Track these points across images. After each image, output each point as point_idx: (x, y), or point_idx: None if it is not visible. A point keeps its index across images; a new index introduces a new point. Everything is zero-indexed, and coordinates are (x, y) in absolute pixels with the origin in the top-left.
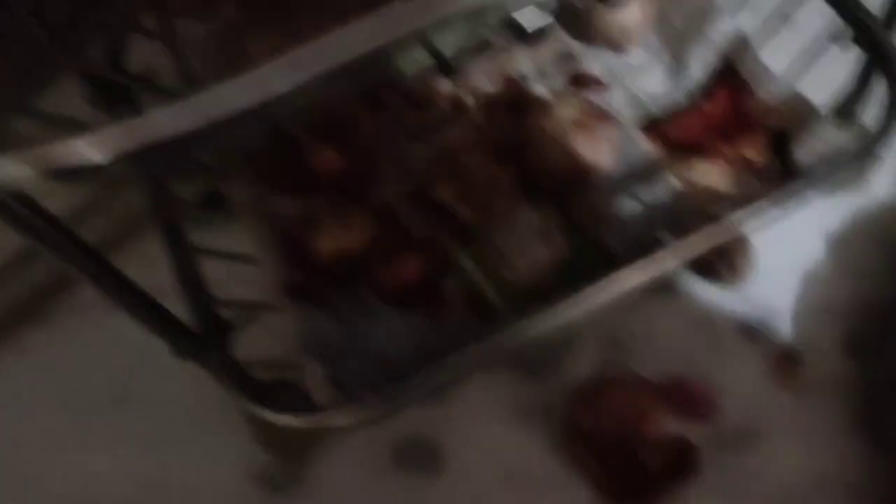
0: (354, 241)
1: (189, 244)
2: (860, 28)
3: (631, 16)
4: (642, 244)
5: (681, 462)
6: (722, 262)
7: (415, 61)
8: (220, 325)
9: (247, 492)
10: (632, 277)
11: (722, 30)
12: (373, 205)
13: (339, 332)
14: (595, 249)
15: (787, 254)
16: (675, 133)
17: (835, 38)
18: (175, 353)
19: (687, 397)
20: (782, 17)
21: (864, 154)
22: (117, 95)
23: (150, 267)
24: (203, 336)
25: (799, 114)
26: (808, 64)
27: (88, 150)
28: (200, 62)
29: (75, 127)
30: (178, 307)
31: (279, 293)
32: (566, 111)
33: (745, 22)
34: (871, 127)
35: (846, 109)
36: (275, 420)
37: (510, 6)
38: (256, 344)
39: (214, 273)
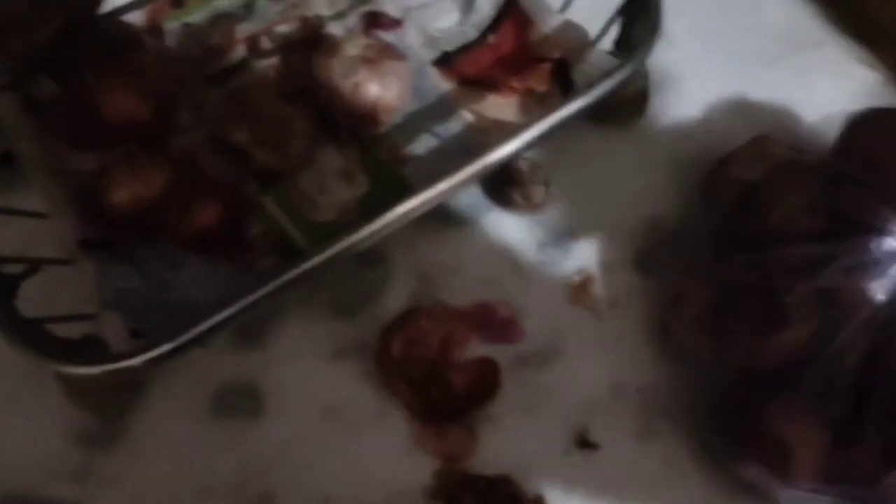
0: (149, 190)
1: None
2: None
3: None
4: (439, 178)
5: (486, 382)
6: (517, 192)
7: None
8: (3, 279)
9: (68, 452)
10: (424, 202)
11: None
12: (168, 152)
13: (140, 282)
14: (395, 185)
15: (578, 180)
16: (467, 68)
17: None
18: None
19: (492, 321)
20: None
21: (621, 69)
22: None
23: None
24: None
25: (574, 42)
26: None
27: None
28: None
29: None
30: None
31: (76, 248)
32: (353, 50)
33: None
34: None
35: (624, 37)
36: (70, 371)
37: None
38: (55, 301)
39: (10, 232)
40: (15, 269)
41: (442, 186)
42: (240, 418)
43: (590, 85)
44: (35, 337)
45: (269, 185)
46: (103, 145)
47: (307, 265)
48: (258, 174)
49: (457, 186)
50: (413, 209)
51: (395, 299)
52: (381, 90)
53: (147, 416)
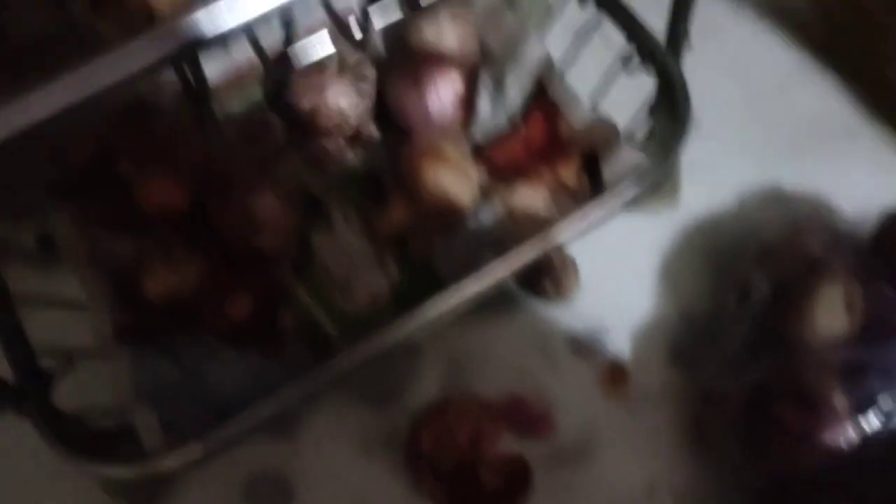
0: (185, 282)
1: (7, 291)
2: (646, 51)
3: (447, 40)
4: (469, 268)
5: (517, 480)
6: (548, 280)
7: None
8: (40, 375)
9: None
10: (457, 295)
11: (532, 54)
12: (202, 242)
13: (173, 374)
14: (426, 276)
15: (610, 269)
16: (497, 158)
17: (625, 60)
18: None
19: (523, 415)
20: (583, 40)
21: (657, 170)
22: None
23: None
24: (21, 387)
25: (603, 135)
26: (607, 85)
27: None
28: None
29: None
30: None
31: (111, 338)
32: (454, 153)
33: (552, 45)
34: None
35: (651, 131)
36: (103, 472)
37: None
38: (88, 392)
39: (46, 320)
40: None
41: (476, 287)
42: None
43: (621, 180)
44: (69, 433)
45: (301, 272)
46: (139, 232)
47: (341, 364)
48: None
49: (494, 285)
50: (448, 308)
51: (425, 388)
52: (458, 192)
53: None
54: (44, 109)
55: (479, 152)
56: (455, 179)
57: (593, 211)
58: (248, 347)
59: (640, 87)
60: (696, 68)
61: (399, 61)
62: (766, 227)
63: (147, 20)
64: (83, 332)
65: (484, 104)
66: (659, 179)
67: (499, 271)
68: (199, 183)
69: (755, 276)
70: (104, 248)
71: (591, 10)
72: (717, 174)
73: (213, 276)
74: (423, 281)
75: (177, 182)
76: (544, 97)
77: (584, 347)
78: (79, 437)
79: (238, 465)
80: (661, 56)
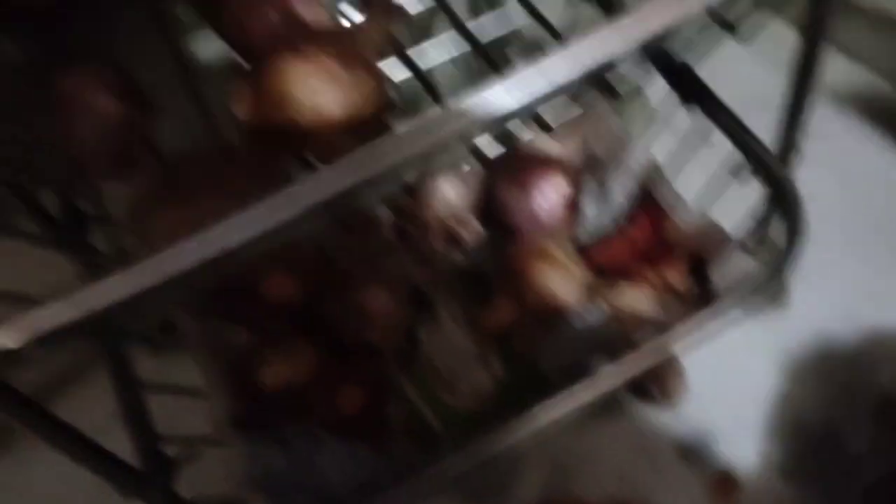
0: (299, 374)
1: (135, 380)
2: (757, 161)
3: (554, 144)
4: (574, 368)
5: None
6: (654, 384)
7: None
8: (164, 462)
9: None
10: (567, 403)
11: (639, 158)
12: (317, 336)
13: (284, 463)
14: (530, 374)
15: (721, 375)
16: (602, 258)
17: (736, 170)
18: (119, 492)
19: None
20: (693, 146)
21: (769, 280)
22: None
23: (95, 399)
24: (146, 474)
25: (712, 239)
26: (720, 190)
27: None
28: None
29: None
30: (122, 442)
31: (225, 425)
32: (570, 262)
33: (659, 150)
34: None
35: (758, 236)
36: None
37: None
38: (203, 478)
39: (163, 405)
40: (173, 448)
41: (587, 395)
42: None
43: (734, 287)
44: None
45: (408, 367)
46: (256, 324)
47: (451, 466)
48: (398, 356)
49: (608, 392)
50: (559, 415)
51: (527, 489)
52: (564, 292)
53: None
54: (243, 234)
55: (584, 252)
56: (561, 280)
57: (709, 320)
58: (356, 440)
59: (751, 193)
60: (801, 170)
61: (506, 162)
62: (879, 335)
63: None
64: (196, 419)
65: (588, 205)
66: (775, 289)
67: (611, 380)
68: (314, 276)
69: (865, 393)
70: (221, 337)
71: (698, 117)
72: (827, 278)
73: (325, 368)
74: (527, 379)
75: (293, 276)
76: (650, 200)
77: (691, 455)
78: None
79: None
80: (772, 165)
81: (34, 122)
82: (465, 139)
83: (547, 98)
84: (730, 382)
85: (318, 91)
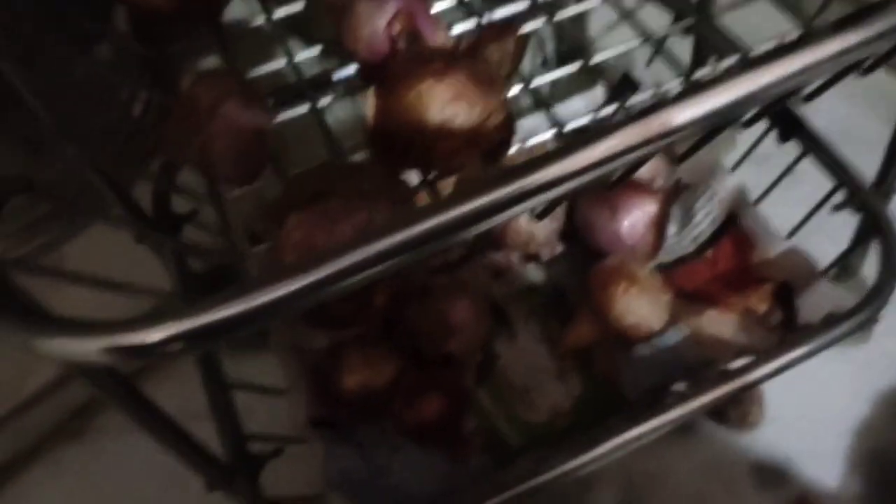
0: (379, 378)
1: (224, 378)
2: (853, 191)
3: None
4: (654, 390)
5: None
6: (733, 409)
7: None
8: (250, 458)
9: None
10: (645, 426)
11: (725, 185)
12: (398, 343)
13: (361, 465)
14: (608, 393)
15: (798, 402)
16: (683, 281)
17: (830, 198)
18: (206, 485)
19: None
20: (783, 175)
21: (861, 312)
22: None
23: (185, 390)
24: (233, 469)
25: (799, 268)
26: (807, 221)
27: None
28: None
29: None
30: (206, 433)
31: (305, 426)
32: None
33: (750, 176)
34: (869, 286)
35: (847, 265)
36: None
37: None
38: (281, 476)
39: (246, 401)
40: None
41: (666, 418)
42: None
43: (823, 318)
44: None
45: (484, 379)
46: (336, 326)
47: (523, 479)
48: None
49: (687, 417)
50: (637, 435)
51: None
52: (648, 314)
53: None
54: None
55: (668, 276)
56: (645, 302)
57: (793, 348)
58: (432, 448)
59: (839, 224)
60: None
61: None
62: None
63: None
64: (277, 419)
65: (672, 228)
66: (863, 321)
67: (691, 405)
68: (398, 285)
69: None
70: (302, 337)
71: (793, 146)
72: None
73: (405, 375)
74: (605, 398)
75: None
76: (736, 226)
77: (768, 480)
78: None
79: None
80: (869, 199)
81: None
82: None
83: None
84: (809, 408)
85: (447, 108)
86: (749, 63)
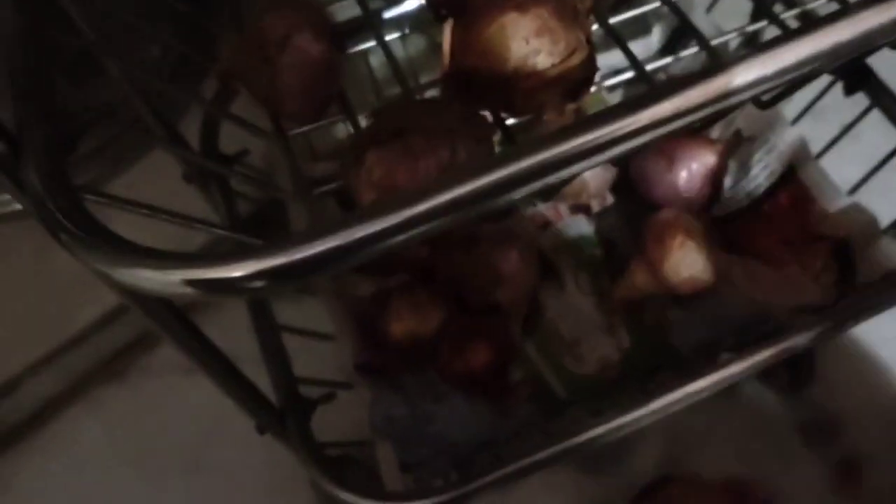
0: (426, 326)
1: (275, 322)
2: None
3: None
4: (705, 347)
5: None
6: (784, 367)
7: None
8: (302, 401)
9: None
10: (700, 385)
11: (785, 137)
12: (443, 291)
13: (406, 413)
14: (659, 348)
15: (848, 362)
16: (742, 238)
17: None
18: (258, 427)
19: (749, 502)
20: (845, 130)
21: None
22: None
23: (229, 333)
24: (284, 412)
25: (860, 225)
26: (870, 177)
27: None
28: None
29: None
30: (253, 377)
31: (352, 371)
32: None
33: (805, 130)
34: None
35: None
36: (348, 501)
37: None
38: (328, 420)
39: (293, 348)
40: (311, 391)
41: (717, 377)
42: None
43: (877, 274)
44: (318, 458)
45: (531, 330)
46: (383, 273)
47: (568, 431)
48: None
49: (744, 373)
50: (686, 392)
51: (643, 461)
52: (703, 269)
53: None
54: None
55: (724, 230)
56: (701, 256)
57: (850, 309)
58: (478, 397)
59: None
60: None
61: None
62: None
63: None
64: (324, 364)
65: (728, 181)
66: None
67: (743, 365)
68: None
69: None
70: (347, 283)
71: (860, 99)
72: None
73: (452, 324)
74: (654, 352)
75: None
76: (795, 181)
77: (815, 439)
78: (328, 464)
79: None
80: None
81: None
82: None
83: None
84: (860, 369)
85: (531, 43)
86: (847, 10)
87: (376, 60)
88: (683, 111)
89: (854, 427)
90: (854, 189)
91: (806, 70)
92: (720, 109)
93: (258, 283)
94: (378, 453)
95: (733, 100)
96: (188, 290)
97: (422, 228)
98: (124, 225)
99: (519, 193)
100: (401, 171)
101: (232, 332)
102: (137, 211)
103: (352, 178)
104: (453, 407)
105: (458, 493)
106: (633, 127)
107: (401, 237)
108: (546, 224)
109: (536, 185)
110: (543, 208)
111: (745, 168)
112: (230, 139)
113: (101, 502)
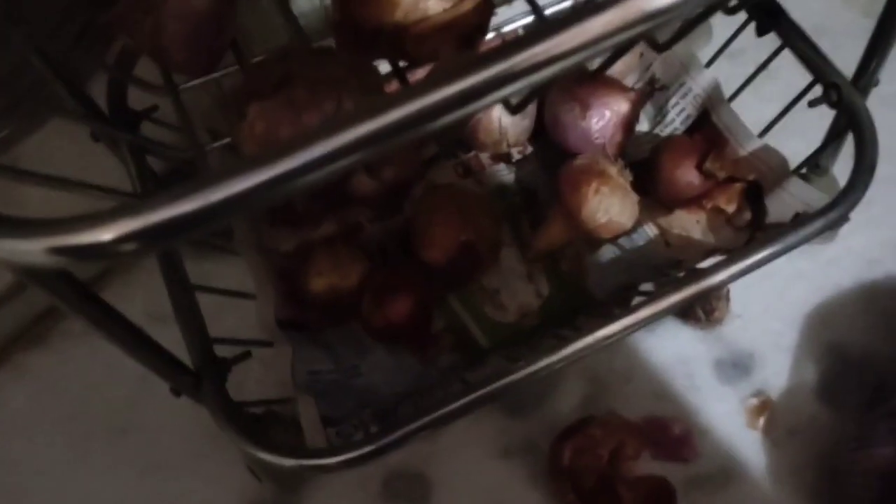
0: (347, 280)
1: (187, 281)
2: (830, 87)
3: (616, 67)
4: (622, 290)
5: (658, 501)
6: (699, 307)
7: None
8: (217, 362)
9: None
10: (616, 327)
11: (699, 81)
12: (365, 243)
13: (331, 367)
14: (576, 294)
15: (762, 298)
16: (655, 181)
17: (806, 94)
18: (172, 390)
19: (665, 438)
20: (758, 70)
21: (833, 210)
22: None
23: (151, 293)
24: (198, 373)
25: (770, 166)
26: (781, 117)
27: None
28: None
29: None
30: (173, 338)
31: (273, 327)
32: (617, 175)
33: (722, 72)
34: (841, 182)
35: (818, 164)
36: (269, 461)
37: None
38: (250, 376)
39: (212, 305)
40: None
41: (633, 318)
42: None
43: (787, 215)
44: (239, 418)
45: (454, 284)
46: (301, 224)
47: (491, 378)
48: (445, 272)
49: (654, 317)
50: (604, 335)
51: (565, 402)
52: (619, 213)
53: (320, 492)
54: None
55: (637, 174)
56: (616, 201)
57: (761, 248)
58: (401, 349)
59: (812, 122)
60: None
61: (561, 82)
62: None
63: None
64: (244, 321)
65: (644, 126)
66: (838, 220)
67: (658, 305)
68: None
69: None
70: (267, 237)
71: (770, 40)
72: (876, 210)
73: (373, 276)
74: (573, 297)
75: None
76: (708, 124)
77: (730, 376)
78: (246, 423)
79: (377, 462)
80: (848, 94)
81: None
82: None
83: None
84: (772, 305)
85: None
86: None
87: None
88: (581, 45)
89: (767, 363)
90: (767, 129)
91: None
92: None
93: (130, 246)
94: (300, 409)
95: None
96: (55, 259)
97: (296, 181)
98: (41, 190)
99: (402, 139)
100: (284, 124)
101: (155, 288)
102: (29, 180)
103: (235, 132)
104: (377, 360)
105: (380, 444)
106: (530, 61)
107: (280, 189)
108: (467, 173)
109: (422, 129)
110: (466, 158)
111: (661, 112)
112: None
113: (26, 469)
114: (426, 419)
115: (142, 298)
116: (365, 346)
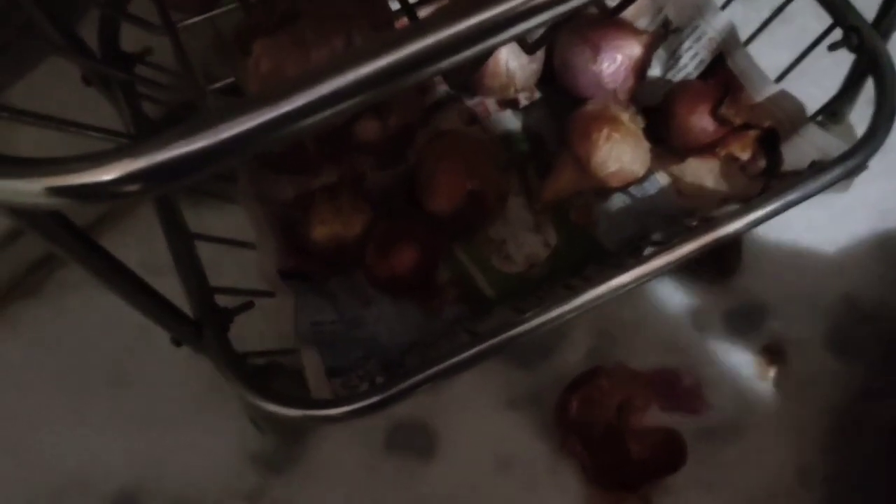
0: (350, 230)
1: (187, 230)
2: (851, 30)
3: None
4: (632, 240)
5: (668, 453)
6: (711, 258)
7: None
8: (216, 312)
9: (244, 471)
10: (627, 278)
11: (714, 24)
12: (368, 192)
13: (334, 317)
14: (585, 243)
15: (774, 249)
16: (668, 127)
17: (825, 38)
18: (171, 339)
19: (675, 390)
20: (775, 13)
21: (851, 158)
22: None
23: (146, 244)
24: (199, 323)
25: (787, 113)
26: (799, 62)
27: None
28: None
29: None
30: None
31: (275, 278)
32: (628, 121)
33: (737, 16)
34: (858, 130)
35: (835, 110)
36: (274, 411)
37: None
38: (252, 328)
39: (212, 255)
40: (228, 300)
41: (643, 269)
42: (412, 457)
43: (803, 163)
44: (242, 369)
45: (460, 234)
46: (303, 172)
47: (498, 329)
48: (450, 222)
49: (671, 265)
50: (613, 286)
51: (572, 353)
52: (631, 161)
53: (323, 443)
54: None
55: (649, 120)
56: (628, 148)
57: (775, 197)
58: (406, 300)
59: (831, 69)
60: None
61: (573, 24)
62: None
63: None
64: (246, 271)
65: (656, 71)
66: (856, 168)
67: (669, 257)
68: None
69: None
70: (268, 186)
71: None
72: (891, 158)
73: (377, 226)
74: (582, 248)
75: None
76: (724, 69)
77: (741, 327)
78: (249, 374)
79: (382, 413)
80: (869, 38)
81: None
82: None
83: None
84: (783, 256)
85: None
86: None
87: None
88: None
89: (778, 314)
90: (783, 75)
91: None
92: None
93: (133, 187)
94: (304, 360)
95: None
96: (54, 199)
97: (303, 121)
98: (33, 134)
99: (414, 77)
100: (290, 62)
101: (153, 238)
102: (24, 120)
103: (239, 71)
104: (381, 310)
105: (386, 395)
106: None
107: (288, 129)
108: (473, 120)
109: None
110: (471, 104)
111: (674, 57)
112: (140, 36)
113: (23, 422)
114: (433, 370)
115: (137, 249)
116: (369, 297)
